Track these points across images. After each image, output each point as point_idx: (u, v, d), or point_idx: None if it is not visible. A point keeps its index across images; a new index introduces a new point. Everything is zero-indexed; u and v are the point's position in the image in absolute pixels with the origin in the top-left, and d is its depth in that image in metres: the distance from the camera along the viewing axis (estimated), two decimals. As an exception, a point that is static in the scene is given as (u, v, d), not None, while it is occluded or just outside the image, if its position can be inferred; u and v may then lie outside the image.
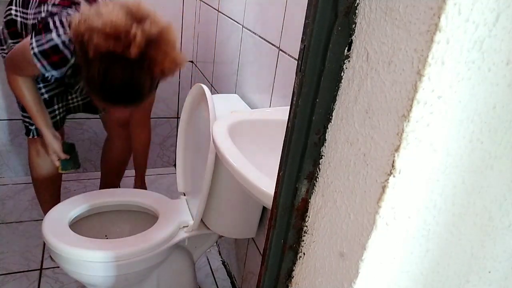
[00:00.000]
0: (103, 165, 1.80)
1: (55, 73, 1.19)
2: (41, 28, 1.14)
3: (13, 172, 2.04)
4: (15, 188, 1.98)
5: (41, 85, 1.37)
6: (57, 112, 1.44)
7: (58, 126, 1.45)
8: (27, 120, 1.42)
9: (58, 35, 1.12)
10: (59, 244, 1.15)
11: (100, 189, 1.79)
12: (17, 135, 1.96)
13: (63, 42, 1.12)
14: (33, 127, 1.43)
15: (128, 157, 1.77)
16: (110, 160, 1.76)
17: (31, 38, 1.14)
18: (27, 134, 1.46)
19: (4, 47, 1.37)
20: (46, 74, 1.22)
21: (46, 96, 1.39)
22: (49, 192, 1.56)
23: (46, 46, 1.12)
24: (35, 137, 1.45)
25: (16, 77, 1.26)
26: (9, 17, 1.32)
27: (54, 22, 1.14)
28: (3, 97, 1.87)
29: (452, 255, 0.37)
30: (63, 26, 1.13)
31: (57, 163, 1.40)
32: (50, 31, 1.13)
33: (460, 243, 0.37)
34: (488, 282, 0.41)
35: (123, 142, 1.70)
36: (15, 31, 1.32)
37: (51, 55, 1.14)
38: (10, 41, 1.33)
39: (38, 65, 1.14)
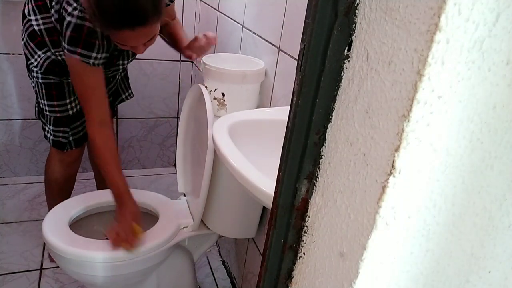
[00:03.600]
0: (94, 165, 1.80)
1: (101, 56, 1.15)
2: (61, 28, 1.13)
3: (13, 172, 2.04)
4: (15, 188, 1.98)
5: (75, 97, 1.37)
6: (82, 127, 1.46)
7: (87, 137, 1.44)
8: (60, 134, 1.41)
9: (71, 15, 1.10)
10: (59, 244, 1.15)
11: (97, 189, 1.79)
12: (17, 135, 1.96)
13: (79, 17, 1.10)
14: (66, 140, 1.42)
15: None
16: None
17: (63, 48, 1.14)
18: (62, 148, 1.43)
19: (32, 60, 1.33)
20: (100, 63, 1.16)
21: (78, 107, 1.40)
22: (62, 197, 1.53)
23: (68, 33, 1.10)
24: (72, 148, 1.45)
25: (101, 128, 1.20)
26: (30, 29, 1.29)
27: (64, 10, 1.12)
28: (3, 97, 1.87)
29: (452, 255, 0.37)
30: (70, 4, 1.11)
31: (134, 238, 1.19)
32: (65, 19, 1.11)
33: (460, 243, 0.37)
34: (488, 282, 0.41)
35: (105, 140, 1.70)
36: (40, 41, 1.29)
37: (78, 36, 1.11)
38: (39, 52, 1.30)
39: (78, 57, 1.11)
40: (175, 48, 1.44)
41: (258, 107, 1.31)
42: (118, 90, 1.59)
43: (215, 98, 1.23)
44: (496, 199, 0.36)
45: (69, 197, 1.59)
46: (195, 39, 1.36)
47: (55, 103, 1.36)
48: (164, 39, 1.47)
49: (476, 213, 0.36)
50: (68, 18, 1.10)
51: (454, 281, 0.39)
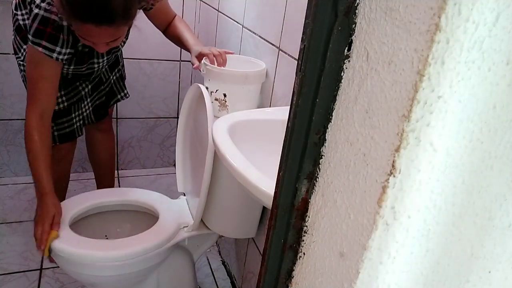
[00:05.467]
0: (94, 164, 1.80)
1: (65, 51, 1.14)
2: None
3: (13, 172, 2.04)
4: (15, 188, 1.98)
5: (62, 92, 1.37)
6: (74, 120, 1.45)
7: (75, 135, 1.47)
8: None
9: (39, 7, 1.10)
10: (59, 244, 1.15)
11: (98, 188, 1.80)
12: (17, 135, 1.96)
13: (46, 10, 1.09)
14: (53, 134, 1.41)
15: (114, 148, 1.79)
16: (98, 157, 1.77)
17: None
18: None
19: (19, 54, 1.35)
20: (64, 58, 1.16)
21: (65, 104, 1.39)
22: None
23: (35, 25, 1.10)
24: (57, 144, 1.44)
25: (34, 116, 1.17)
26: (16, 23, 1.31)
27: (33, 1, 1.12)
28: (3, 97, 1.87)
29: (452, 255, 0.37)
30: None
31: (46, 243, 1.13)
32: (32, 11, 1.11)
33: (460, 243, 0.37)
34: (488, 282, 0.41)
35: (104, 135, 1.71)
36: (25, 35, 1.30)
37: (43, 29, 1.10)
38: (25, 46, 1.31)
39: (41, 49, 1.11)
40: (184, 49, 1.43)
41: (258, 107, 1.31)
42: (114, 90, 1.59)
43: (216, 99, 1.23)
44: (496, 199, 0.36)
45: (63, 197, 1.59)
46: (206, 55, 1.29)
47: None
48: (171, 41, 1.47)
49: (476, 213, 0.36)
50: (35, 10, 1.10)
51: (454, 281, 0.39)
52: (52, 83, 1.19)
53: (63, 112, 1.41)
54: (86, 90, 1.45)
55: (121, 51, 1.55)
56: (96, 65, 1.36)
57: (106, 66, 1.49)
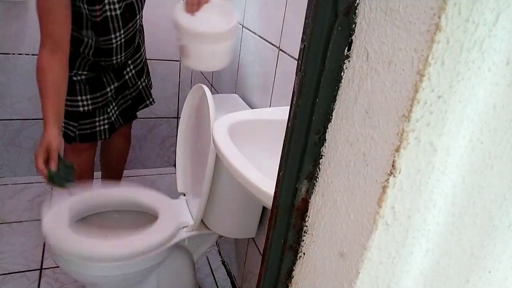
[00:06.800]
0: (103, 166, 1.80)
1: None
2: None
3: (13, 172, 2.04)
4: (15, 188, 1.98)
5: (88, 96, 1.39)
6: (97, 123, 1.47)
7: (95, 137, 1.48)
8: (70, 127, 1.43)
9: None
10: (60, 244, 1.15)
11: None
12: (17, 135, 1.96)
13: None
14: (73, 134, 1.43)
15: (127, 155, 1.79)
16: (110, 160, 1.77)
17: None
18: (69, 141, 1.44)
19: None
20: None
21: (90, 107, 1.41)
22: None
23: None
24: (76, 142, 1.45)
25: (47, 52, 1.16)
26: None
27: None
28: (3, 97, 1.87)
29: (452, 255, 0.37)
30: None
31: (45, 170, 1.19)
32: None
33: (460, 243, 0.37)
34: (488, 282, 0.41)
35: (121, 140, 1.71)
36: None
37: None
38: None
39: None
40: None
41: (258, 108, 1.31)
42: (143, 96, 1.61)
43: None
44: (496, 199, 0.36)
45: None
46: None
47: (67, 97, 1.36)
48: None
49: (476, 213, 0.36)
50: None
51: (454, 281, 0.39)
52: (62, 14, 1.16)
53: (87, 114, 1.43)
54: (111, 93, 1.47)
55: (143, 52, 1.56)
56: (114, 40, 1.34)
57: (133, 70, 1.50)
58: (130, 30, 1.38)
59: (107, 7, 1.27)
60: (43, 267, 1.59)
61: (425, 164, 0.32)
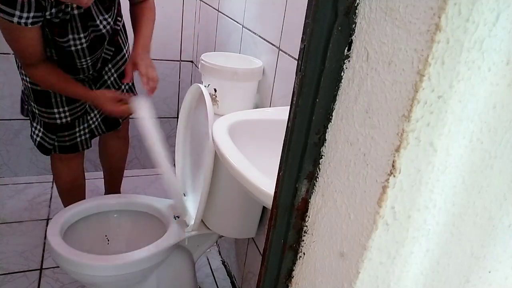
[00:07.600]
0: (104, 168, 1.80)
1: (27, 15, 1.08)
2: None
3: (13, 172, 2.04)
4: (15, 188, 1.98)
5: (66, 108, 1.37)
6: (77, 134, 1.44)
7: (78, 148, 1.46)
8: (46, 139, 1.41)
9: None
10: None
11: (105, 186, 1.82)
12: (17, 135, 1.96)
13: None
14: (51, 146, 1.41)
15: (126, 154, 1.78)
16: (109, 161, 1.76)
17: None
18: (46, 153, 1.44)
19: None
20: (29, 22, 1.09)
21: (69, 119, 1.39)
22: (74, 198, 1.51)
23: None
24: (56, 153, 1.44)
25: (34, 70, 1.23)
26: None
27: None
28: (3, 97, 1.87)
29: (452, 255, 0.37)
30: None
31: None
32: None
33: (460, 243, 0.37)
34: (488, 282, 0.41)
35: (117, 141, 1.70)
36: None
37: None
38: None
39: (7, 17, 1.06)
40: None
41: (257, 107, 1.31)
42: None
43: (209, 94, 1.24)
44: (496, 199, 0.36)
45: (83, 195, 1.60)
46: (140, 73, 1.34)
47: (43, 109, 1.36)
48: (130, 18, 1.42)
49: (476, 213, 0.36)
50: None
51: (454, 281, 0.39)
52: (32, 40, 1.17)
53: (65, 126, 1.40)
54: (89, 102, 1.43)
55: (127, 53, 1.50)
56: (72, 42, 1.25)
57: (114, 74, 1.46)
58: (95, 33, 1.30)
59: (71, 41, 1.25)
60: (43, 267, 1.59)
61: (425, 164, 0.32)
